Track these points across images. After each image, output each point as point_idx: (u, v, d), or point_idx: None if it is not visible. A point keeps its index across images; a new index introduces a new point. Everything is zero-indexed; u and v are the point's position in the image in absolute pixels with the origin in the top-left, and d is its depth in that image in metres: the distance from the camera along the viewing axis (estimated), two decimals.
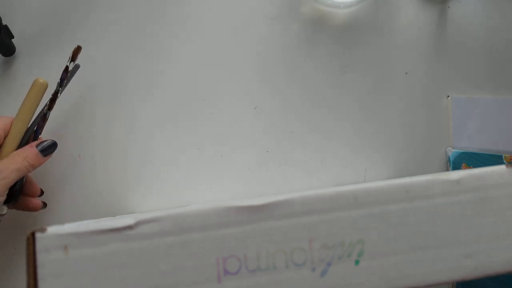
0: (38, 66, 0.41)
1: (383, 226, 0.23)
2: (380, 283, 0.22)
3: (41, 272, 0.21)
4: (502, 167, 0.24)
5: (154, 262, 0.21)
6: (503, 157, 0.36)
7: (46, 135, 0.38)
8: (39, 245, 0.21)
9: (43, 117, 0.34)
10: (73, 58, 0.35)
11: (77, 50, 0.35)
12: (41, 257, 0.21)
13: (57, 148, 0.39)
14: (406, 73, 0.40)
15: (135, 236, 0.21)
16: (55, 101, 0.35)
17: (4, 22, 0.39)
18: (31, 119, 0.34)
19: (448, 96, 0.39)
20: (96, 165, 0.38)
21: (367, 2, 0.41)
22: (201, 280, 0.21)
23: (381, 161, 0.38)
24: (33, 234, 0.21)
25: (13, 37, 0.40)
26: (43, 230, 0.21)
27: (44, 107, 0.35)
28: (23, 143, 0.34)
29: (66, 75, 0.35)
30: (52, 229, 0.21)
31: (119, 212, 0.37)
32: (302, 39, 0.41)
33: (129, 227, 0.21)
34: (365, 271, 0.22)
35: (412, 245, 0.22)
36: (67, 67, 0.35)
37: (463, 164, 0.36)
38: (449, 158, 0.36)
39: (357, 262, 0.22)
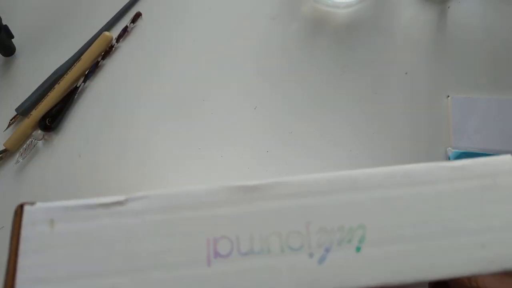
0: (38, 66, 0.41)
1: (385, 211, 0.21)
2: (385, 274, 0.21)
3: (23, 246, 0.20)
4: (508, 156, 0.23)
5: (141, 241, 0.21)
6: None
7: (49, 134, 0.38)
8: (25, 218, 0.21)
9: (96, 64, 0.40)
10: (134, 20, 0.41)
11: (138, 15, 0.42)
12: (26, 231, 0.20)
13: (58, 147, 0.39)
14: (406, 73, 0.40)
15: (124, 212, 0.21)
16: (108, 53, 0.40)
17: (4, 22, 0.39)
18: (93, 61, 0.40)
19: (448, 96, 0.39)
20: (96, 165, 0.38)
21: (367, 2, 0.41)
22: (190, 261, 0.20)
23: (381, 161, 0.37)
24: (21, 207, 0.21)
25: (13, 37, 0.40)
26: (32, 203, 0.21)
27: (99, 57, 0.40)
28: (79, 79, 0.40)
29: (124, 33, 0.41)
30: (41, 204, 0.21)
31: None
32: (302, 39, 0.41)
33: (119, 203, 0.21)
34: (368, 259, 0.21)
35: (418, 232, 0.21)
36: (126, 26, 0.41)
37: None
38: (449, 158, 0.36)
39: (358, 248, 0.21)
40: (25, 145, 0.38)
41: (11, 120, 0.39)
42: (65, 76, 0.39)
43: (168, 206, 0.21)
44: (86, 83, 0.40)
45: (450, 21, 0.41)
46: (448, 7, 0.41)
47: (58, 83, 0.39)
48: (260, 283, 0.20)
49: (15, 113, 0.39)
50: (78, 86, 0.39)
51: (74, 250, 0.20)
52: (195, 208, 0.21)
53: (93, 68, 0.40)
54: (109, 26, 0.42)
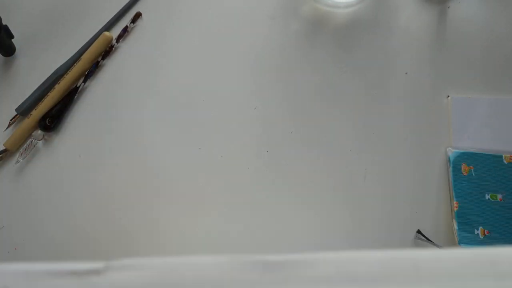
0: (38, 66, 0.41)
1: None
2: None
3: None
4: None
5: None
6: (503, 157, 0.36)
7: (49, 134, 0.38)
8: None
9: (96, 64, 0.40)
10: (134, 20, 0.41)
11: (138, 15, 0.41)
12: None
13: (58, 147, 0.39)
14: (406, 73, 0.40)
15: (100, 285, 0.16)
16: (108, 54, 0.40)
17: (4, 22, 0.39)
18: (93, 61, 0.40)
19: (448, 96, 0.39)
20: (96, 165, 0.38)
21: (367, 2, 0.41)
22: None
23: (381, 161, 0.37)
24: None
25: (13, 37, 0.40)
26: None
27: (99, 57, 0.40)
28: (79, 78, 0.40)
29: (124, 33, 0.41)
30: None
31: (119, 211, 0.37)
32: (302, 39, 0.41)
33: (95, 272, 0.16)
34: None
35: None
36: (127, 26, 0.41)
37: (463, 164, 0.36)
38: (449, 158, 0.36)
39: None
40: (25, 145, 0.38)
41: (11, 120, 0.39)
42: (65, 76, 0.39)
43: (162, 283, 0.15)
44: (86, 83, 0.40)
45: (450, 21, 0.41)
46: (448, 7, 0.41)
47: (58, 83, 0.39)
48: None
49: (15, 113, 0.39)
50: (78, 86, 0.39)
51: None
52: (198, 286, 0.15)
53: (93, 68, 0.40)
54: (109, 26, 0.42)
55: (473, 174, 0.36)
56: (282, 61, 0.40)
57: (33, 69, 0.41)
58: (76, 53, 0.41)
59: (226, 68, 0.40)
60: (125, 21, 0.42)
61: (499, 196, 0.35)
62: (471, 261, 0.15)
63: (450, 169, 0.36)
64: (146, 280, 0.16)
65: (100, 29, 0.41)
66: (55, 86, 0.39)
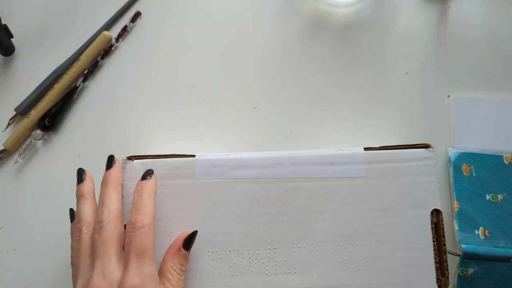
0: (37, 66, 0.41)
1: None
2: None
3: None
4: None
5: None
6: (504, 158, 0.36)
7: (48, 134, 0.38)
8: None
9: (95, 63, 0.40)
10: (133, 20, 0.41)
11: (137, 14, 0.41)
12: None
13: (57, 147, 0.39)
14: (406, 73, 0.39)
15: None
16: (108, 53, 0.40)
17: (3, 22, 0.39)
18: (92, 61, 0.40)
19: (449, 96, 0.39)
20: (95, 165, 0.38)
21: (367, 2, 0.41)
22: None
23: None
24: None
25: (12, 36, 0.40)
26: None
27: (99, 56, 0.40)
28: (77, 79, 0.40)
29: (123, 33, 0.40)
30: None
31: None
32: (302, 38, 0.41)
33: None
34: None
35: None
36: (126, 26, 0.40)
37: (464, 165, 0.36)
38: (449, 159, 0.36)
39: None
40: (24, 145, 0.38)
41: (10, 120, 0.39)
42: (64, 75, 0.39)
43: None
44: (86, 83, 0.40)
45: (451, 21, 0.41)
46: (449, 7, 0.41)
47: (58, 83, 0.39)
48: None
49: (14, 112, 0.39)
50: (77, 85, 0.39)
51: None
52: None
53: (93, 68, 0.40)
54: (108, 25, 0.41)
55: (474, 175, 0.36)
56: (282, 60, 0.40)
57: (32, 68, 0.41)
58: (75, 52, 0.40)
59: (226, 68, 0.40)
60: (125, 20, 0.42)
61: (500, 197, 0.35)
62: None
63: (451, 169, 0.36)
64: None
65: (100, 29, 0.41)
66: (54, 86, 0.39)
